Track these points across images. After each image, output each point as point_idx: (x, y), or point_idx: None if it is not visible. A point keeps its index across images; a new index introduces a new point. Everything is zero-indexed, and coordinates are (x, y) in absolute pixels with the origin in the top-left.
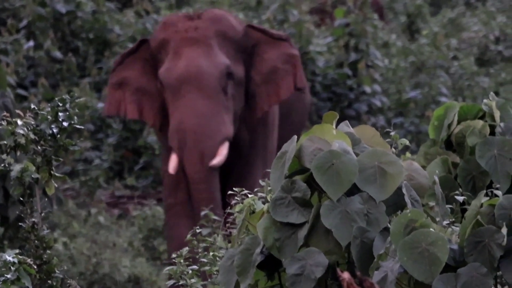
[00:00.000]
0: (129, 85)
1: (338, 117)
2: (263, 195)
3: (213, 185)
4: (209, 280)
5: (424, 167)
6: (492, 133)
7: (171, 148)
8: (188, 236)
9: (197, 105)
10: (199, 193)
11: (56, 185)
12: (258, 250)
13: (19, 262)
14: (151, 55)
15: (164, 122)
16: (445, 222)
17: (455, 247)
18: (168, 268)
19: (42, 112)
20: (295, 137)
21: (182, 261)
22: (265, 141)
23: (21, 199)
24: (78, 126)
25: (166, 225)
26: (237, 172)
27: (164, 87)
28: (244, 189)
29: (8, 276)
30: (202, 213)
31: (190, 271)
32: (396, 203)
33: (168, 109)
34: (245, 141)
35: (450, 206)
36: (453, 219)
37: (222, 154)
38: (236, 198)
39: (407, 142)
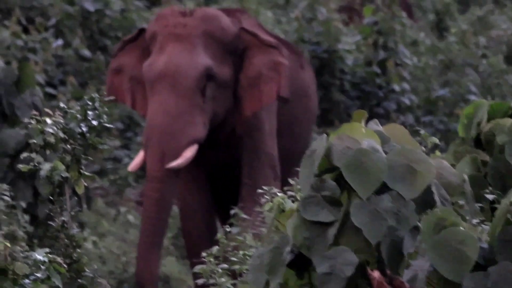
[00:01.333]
0: (126, 72)
1: (367, 115)
2: (293, 193)
3: (168, 186)
4: (239, 279)
5: (453, 165)
6: None
7: None
8: (219, 235)
9: (168, 104)
10: (153, 191)
11: (86, 184)
12: (288, 249)
13: (49, 261)
14: (146, 46)
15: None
16: (474, 221)
17: (485, 245)
18: (198, 267)
19: (71, 111)
20: (324, 135)
21: (212, 259)
22: (265, 148)
23: (51, 198)
24: (107, 125)
25: (182, 224)
26: (237, 180)
27: (145, 81)
28: (255, 192)
29: (38, 275)
30: (232, 211)
31: (220, 270)
32: (425, 202)
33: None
34: (238, 144)
35: (480, 204)
36: (483, 218)
37: (185, 156)
38: (265, 196)
39: (437, 141)
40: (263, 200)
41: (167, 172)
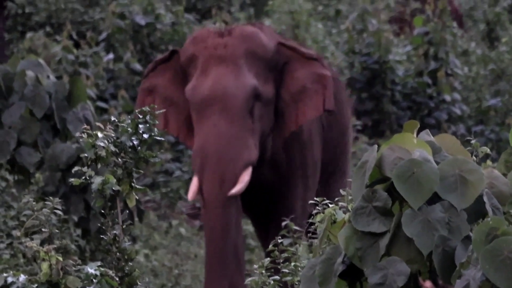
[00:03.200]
0: (158, 93)
1: (418, 126)
2: (344, 204)
3: (230, 212)
4: None
5: (505, 174)
6: None
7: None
8: (270, 247)
9: (220, 128)
10: (215, 219)
11: (137, 197)
12: (339, 259)
13: (101, 275)
14: (180, 68)
15: (190, 138)
16: None
17: None
18: (250, 279)
19: (122, 125)
20: (376, 146)
21: (263, 271)
22: (302, 160)
23: (102, 211)
24: (158, 138)
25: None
26: (277, 192)
27: (190, 105)
28: (284, 209)
29: None
30: (283, 223)
31: (272, 282)
32: (477, 211)
33: (194, 127)
34: (281, 160)
35: None
36: None
37: (243, 181)
38: (317, 208)
39: (488, 150)
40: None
41: (228, 198)
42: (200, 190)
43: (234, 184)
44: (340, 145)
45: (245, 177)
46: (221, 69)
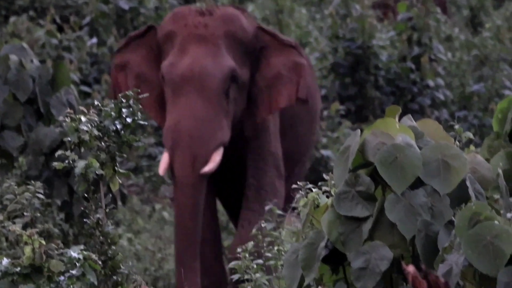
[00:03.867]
0: (131, 70)
1: (401, 111)
2: (327, 189)
3: (200, 191)
4: (274, 274)
5: (488, 160)
6: None
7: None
8: (254, 231)
9: (196, 107)
10: (184, 198)
11: (120, 181)
12: (322, 244)
13: (84, 258)
14: (156, 44)
15: (161, 115)
16: (509, 215)
17: None
18: (233, 263)
19: (105, 109)
20: (359, 131)
21: (247, 255)
22: (270, 147)
23: (86, 195)
24: (141, 122)
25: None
26: (252, 179)
27: (165, 81)
28: (261, 192)
29: (74, 272)
30: (267, 207)
31: (255, 266)
32: (460, 196)
33: (166, 103)
34: (246, 145)
35: None
36: None
37: (215, 160)
38: (300, 192)
39: (471, 136)
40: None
41: (199, 177)
42: (171, 167)
43: (205, 163)
44: (307, 134)
45: (217, 157)
46: (200, 48)
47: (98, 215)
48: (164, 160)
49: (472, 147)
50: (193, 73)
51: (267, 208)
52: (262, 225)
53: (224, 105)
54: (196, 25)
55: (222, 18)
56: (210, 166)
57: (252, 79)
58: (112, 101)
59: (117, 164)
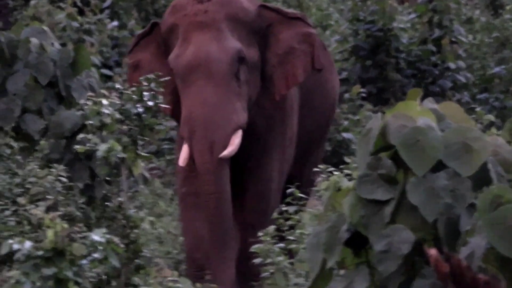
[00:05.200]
0: (144, 68)
1: (422, 93)
2: (349, 172)
3: (223, 176)
4: (295, 258)
5: (509, 142)
6: None
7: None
8: (275, 214)
9: (206, 93)
10: (208, 185)
11: (142, 164)
12: (344, 227)
13: (107, 242)
14: (162, 39)
15: (177, 109)
16: None
17: None
18: (255, 246)
19: (127, 92)
20: (380, 114)
21: (268, 239)
22: (283, 128)
23: (108, 179)
24: (163, 105)
25: (180, 216)
26: (254, 159)
27: (174, 74)
28: (261, 177)
29: (96, 255)
30: (289, 190)
31: (277, 249)
32: (481, 179)
33: (180, 96)
34: (261, 127)
35: None
36: None
37: (234, 144)
38: (321, 175)
39: (492, 118)
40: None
41: (220, 162)
42: (191, 156)
43: (224, 148)
44: (325, 112)
45: (236, 140)
46: (203, 35)
47: (120, 199)
48: (184, 150)
49: (493, 130)
50: (199, 60)
51: (288, 191)
52: (284, 208)
53: (235, 88)
54: (196, 13)
55: (221, 2)
56: (230, 149)
57: (264, 58)
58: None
59: (139, 147)
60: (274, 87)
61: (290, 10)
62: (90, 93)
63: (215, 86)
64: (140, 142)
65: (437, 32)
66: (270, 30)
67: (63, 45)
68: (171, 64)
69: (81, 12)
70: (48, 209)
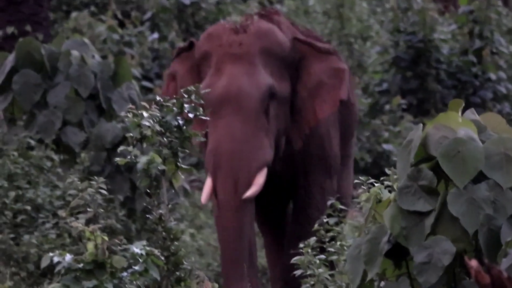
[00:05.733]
0: (177, 81)
1: (463, 104)
2: (390, 183)
3: (244, 214)
4: (336, 269)
5: None
6: None
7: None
8: (316, 226)
9: (234, 128)
10: (227, 221)
11: (183, 177)
12: (385, 238)
13: (147, 254)
14: (196, 62)
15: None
16: None
17: None
18: (295, 258)
19: (167, 104)
20: (421, 125)
21: (309, 250)
22: (321, 152)
23: (148, 191)
24: (203, 117)
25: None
26: (295, 188)
27: (205, 103)
28: (311, 203)
29: (136, 268)
30: (329, 202)
31: (318, 261)
32: None
33: (207, 127)
34: (298, 155)
35: None
36: None
37: (258, 183)
38: (362, 187)
39: None
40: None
41: (243, 201)
42: (214, 191)
43: (248, 185)
44: (352, 133)
45: (260, 179)
46: (235, 68)
47: (160, 211)
48: (207, 185)
49: None
50: (230, 94)
51: (328, 203)
52: (325, 219)
53: (264, 124)
54: (230, 43)
55: (257, 35)
56: (253, 190)
57: (294, 91)
58: (175, 96)
59: (179, 160)
60: (304, 120)
61: (323, 44)
62: (130, 105)
63: (244, 121)
64: (181, 154)
65: (477, 43)
66: (302, 63)
67: (104, 57)
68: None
69: (121, 25)
70: (89, 222)
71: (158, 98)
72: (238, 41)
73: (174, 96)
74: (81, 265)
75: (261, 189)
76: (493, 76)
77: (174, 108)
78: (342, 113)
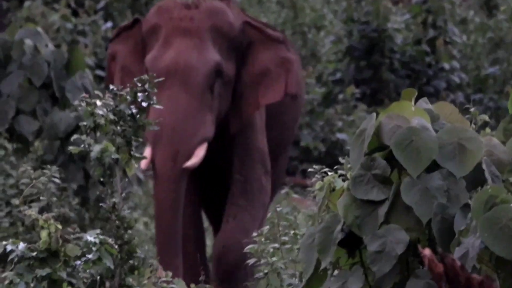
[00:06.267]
0: (118, 61)
1: (416, 94)
2: (343, 172)
3: (181, 186)
4: (290, 258)
5: (503, 142)
6: None
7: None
8: (269, 215)
9: (179, 101)
10: (165, 193)
11: (136, 166)
12: (338, 228)
13: (101, 243)
14: (141, 38)
15: None
16: None
17: None
18: (249, 246)
19: (121, 93)
20: (374, 114)
21: (263, 239)
22: (256, 143)
23: (101, 180)
24: (157, 106)
25: None
26: (239, 174)
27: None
28: (247, 188)
29: (90, 256)
30: (282, 191)
31: (271, 250)
32: (476, 179)
33: None
34: (232, 141)
35: None
36: None
37: (198, 155)
38: (316, 176)
39: (487, 118)
40: (259, 196)
41: (181, 172)
42: (152, 162)
43: (188, 158)
44: (292, 124)
45: (200, 152)
46: (185, 42)
47: (114, 200)
48: (146, 154)
49: (487, 130)
50: (177, 66)
51: (282, 192)
52: (278, 208)
53: (208, 100)
54: (181, 18)
55: (208, 12)
56: (193, 161)
57: (238, 75)
58: (128, 85)
59: (133, 148)
60: (243, 106)
61: (274, 32)
62: (84, 94)
63: (189, 95)
64: (134, 143)
65: (431, 33)
66: (250, 48)
67: (57, 46)
68: (147, 65)
69: (75, 14)
70: (42, 210)
71: (111, 87)
72: (189, 16)
73: (115, 76)
74: (34, 254)
75: (200, 161)
76: (446, 66)
77: (128, 97)
78: (287, 104)
